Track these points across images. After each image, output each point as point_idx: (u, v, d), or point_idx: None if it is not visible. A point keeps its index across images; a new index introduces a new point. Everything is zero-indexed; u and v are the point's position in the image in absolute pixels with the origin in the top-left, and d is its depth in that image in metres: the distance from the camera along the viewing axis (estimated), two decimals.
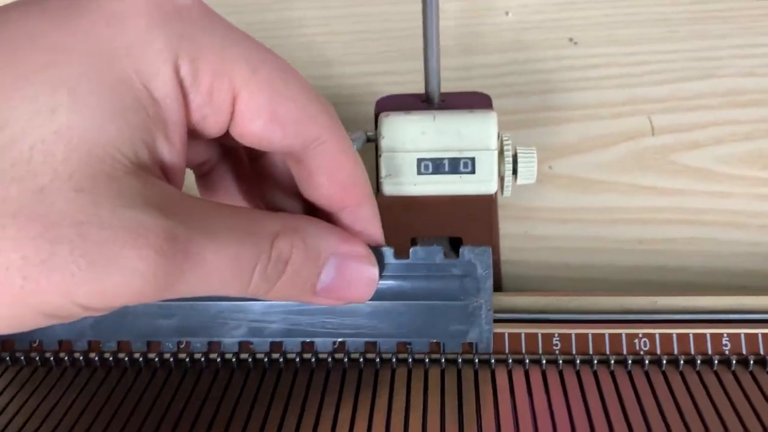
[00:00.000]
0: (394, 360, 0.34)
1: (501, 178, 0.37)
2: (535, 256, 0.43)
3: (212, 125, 0.25)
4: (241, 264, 0.24)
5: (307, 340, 0.34)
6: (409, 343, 0.33)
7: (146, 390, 0.33)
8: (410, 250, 0.33)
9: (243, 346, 0.34)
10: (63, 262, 0.21)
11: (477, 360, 0.33)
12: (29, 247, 0.21)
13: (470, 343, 0.33)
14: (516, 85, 0.46)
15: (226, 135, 0.27)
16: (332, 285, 0.28)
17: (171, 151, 0.24)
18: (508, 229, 0.43)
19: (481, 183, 0.36)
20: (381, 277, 0.31)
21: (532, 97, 0.46)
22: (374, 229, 0.31)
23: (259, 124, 0.26)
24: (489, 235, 0.41)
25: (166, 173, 0.24)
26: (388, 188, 0.37)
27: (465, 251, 0.33)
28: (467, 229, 0.41)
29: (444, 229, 0.41)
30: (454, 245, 0.42)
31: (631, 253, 0.42)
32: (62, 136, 0.21)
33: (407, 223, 0.41)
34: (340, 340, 0.34)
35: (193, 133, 0.26)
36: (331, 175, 0.28)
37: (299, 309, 0.34)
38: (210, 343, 0.34)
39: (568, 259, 0.42)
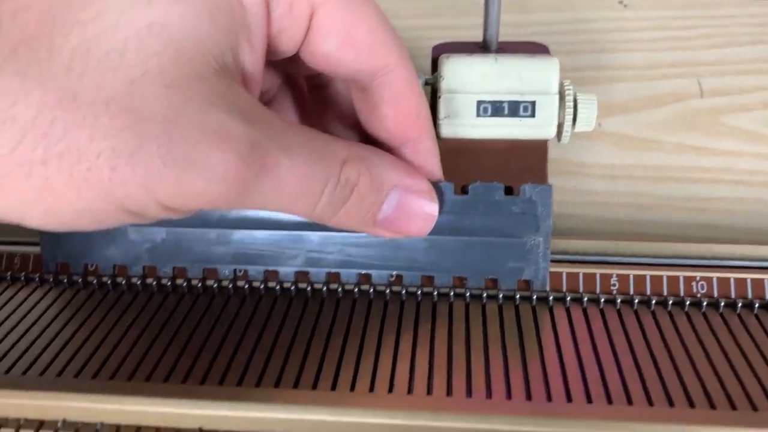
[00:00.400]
0: (451, 294, 0.34)
1: (559, 125, 0.37)
2: (584, 210, 0.43)
3: (287, 40, 0.26)
4: (311, 184, 0.25)
5: (363, 271, 0.34)
6: (465, 278, 0.34)
7: (204, 316, 0.33)
8: (470, 186, 0.33)
9: (299, 276, 0.34)
10: (149, 157, 0.21)
11: (535, 297, 0.33)
12: (119, 138, 0.21)
13: (526, 281, 0.33)
14: (567, 44, 0.46)
15: (292, 61, 0.27)
16: (392, 217, 0.28)
17: (252, 59, 0.25)
18: (557, 183, 0.43)
19: (540, 127, 0.36)
20: (440, 212, 0.31)
21: (582, 56, 0.46)
22: (434, 165, 0.31)
23: (332, 44, 0.26)
24: (543, 182, 0.41)
25: (245, 82, 0.25)
26: (446, 130, 0.37)
27: (526, 188, 0.33)
28: (520, 178, 0.41)
29: (497, 177, 0.41)
30: (508, 194, 0.42)
31: (679, 210, 0.43)
32: (156, 30, 0.21)
33: (460, 171, 0.41)
34: (396, 272, 0.34)
35: (267, 50, 0.26)
36: (396, 106, 0.28)
37: (356, 241, 0.34)
38: (266, 272, 0.35)
39: (617, 214, 0.42)
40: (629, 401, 0.27)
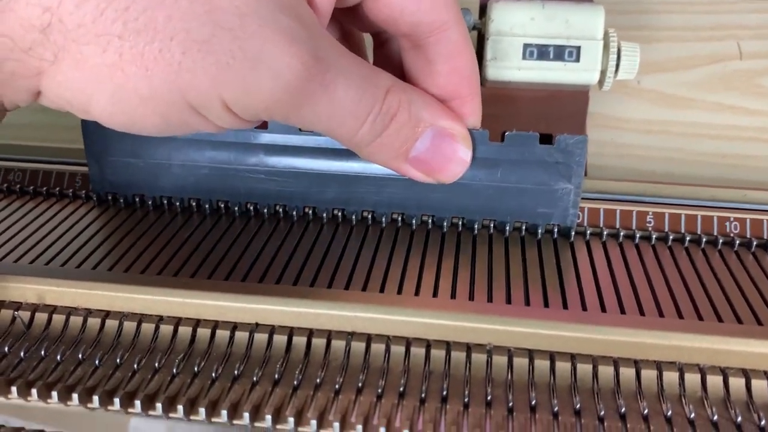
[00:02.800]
0: (491, 225, 0.35)
1: (602, 72, 0.39)
2: (620, 162, 0.44)
3: None
4: (360, 107, 0.26)
5: (397, 212, 0.35)
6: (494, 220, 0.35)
7: (256, 234, 0.35)
8: (505, 134, 0.34)
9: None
10: (221, 48, 0.22)
11: (573, 232, 0.35)
12: (195, 23, 0.22)
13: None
14: (609, 3, 0.47)
15: (353, 14, 0.28)
16: (425, 156, 0.28)
17: None
18: (594, 136, 0.45)
19: (584, 72, 0.38)
20: (474, 158, 0.32)
21: (622, 16, 0.47)
22: (476, 122, 0.31)
23: None
24: (581, 132, 0.42)
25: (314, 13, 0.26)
26: (492, 72, 0.38)
27: (561, 138, 0.34)
28: (559, 126, 0.42)
29: (537, 125, 0.42)
30: (544, 143, 0.43)
31: (713, 166, 0.44)
32: None
33: (500, 117, 0.42)
34: (427, 213, 0.35)
35: None
36: (451, 62, 0.29)
37: (391, 182, 0.35)
38: (305, 207, 0.36)
39: (652, 168, 0.44)
40: (661, 315, 0.28)
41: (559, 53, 0.38)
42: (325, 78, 0.24)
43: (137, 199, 0.37)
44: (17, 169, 0.40)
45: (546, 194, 0.34)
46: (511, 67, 0.38)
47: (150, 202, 0.37)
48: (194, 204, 0.37)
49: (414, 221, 0.35)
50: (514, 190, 0.34)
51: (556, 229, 0.35)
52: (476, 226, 0.35)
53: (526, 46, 0.38)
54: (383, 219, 0.36)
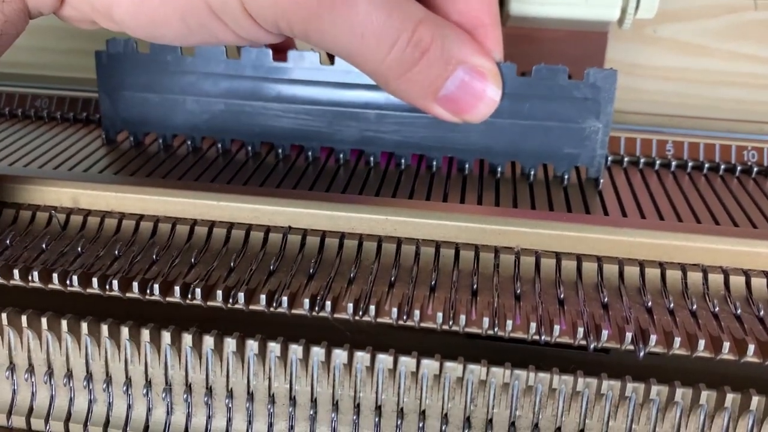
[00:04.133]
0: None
1: (622, 11, 0.39)
2: (637, 107, 0.45)
3: None
4: (385, 30, 0.25)
5: (419, 153, 0.35)
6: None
7: (275, 168, 0.35)
8: (533, 68, 0.33)
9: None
10: None
11: (601, 179, 0.35)
12: None
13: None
14: None
15: None
16: (455, 95, 0.27)
17: None
18: None
19: (606, 8, 0.38)
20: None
21: None
22: (500, 53, 0.31)
23: None
24: None
25: None
26: (516, 6, 0.39)
27: (591, 72, 0.32)
28: (579, 66, 0.43)
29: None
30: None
31: (728, 111, 0.44)
32: None
33: (521, 58, 0.43)
34: (450, 155, 0.34)
35: None
36: None
37: (412, 121, 0.34)
38: (322, 149, 0.36)
39: (668, 112, 0.44)
40: (679, 219, 0.29)
41: None
42: None
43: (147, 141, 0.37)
44: (44, 96, 0.40)
45: (573, 133, 0.32)
46: (534, 2, 0.39)
47: (161, 141, 0.37)
48: (205, 147, 0.37)
49: (435, 163, 0.35)
50: (539, 129, 0.33)
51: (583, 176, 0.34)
52: (499, 170, 0.34)
53: None
54: (402, 162, 0.35)
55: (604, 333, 0.24)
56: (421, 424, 0.25)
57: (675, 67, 0.46)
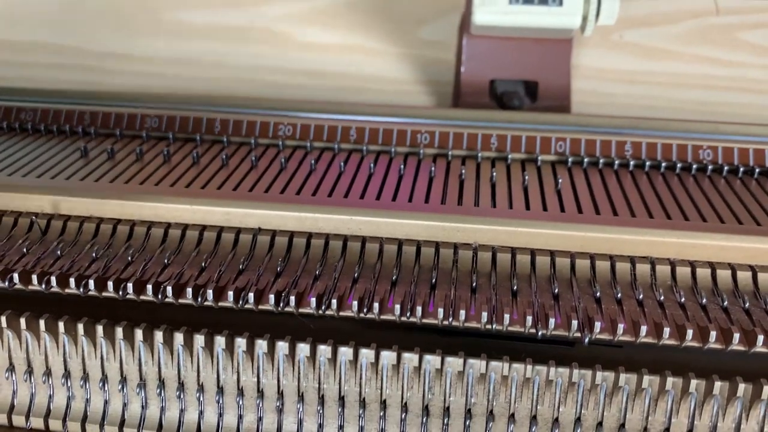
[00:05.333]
0: (479, 156, 0.37)
1: (584, 18, 0.41)
2: (603, 110, 0.46)
3: None
4: None
5: None
6: None
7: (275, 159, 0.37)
8: None
9: None
10: None
11: (554, 160, 0.37)
12: None
13: None
14: None
15: None
16: None
17: None
18: (579, 86, 0.47)
19: (567, 16, 0.40)
20: None
21: None
22: None
23: None
24: (566, 80, 0.44)
25: None
26: (480, 17, 0.41)
27: None
28: (544, 73, 0.44)
29: (523, 72, 0.45)
30: (530, 89, 0.45)
31: (692, 113, 0.46)
32: None
33: (487, 65, 0.45)
34: None
35: None
36: None
37: None
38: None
39: (634, 114, 0.46)
40: (632, 215, 0.31)
41: None
42: None
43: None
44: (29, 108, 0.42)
45: None
46: (499, 12, 0.40)
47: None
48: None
49: (402, 167, 0.37)
50: None
51: (539, 158, 0.37)
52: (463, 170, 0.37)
53: None
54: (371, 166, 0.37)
55: (551, 321, 0.25)
56: (382, 413, 0.27)
57: (640, 70, 0.47)
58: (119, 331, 0.27)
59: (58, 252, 0.30)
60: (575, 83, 0.47)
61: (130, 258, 0.29)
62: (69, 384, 0.28)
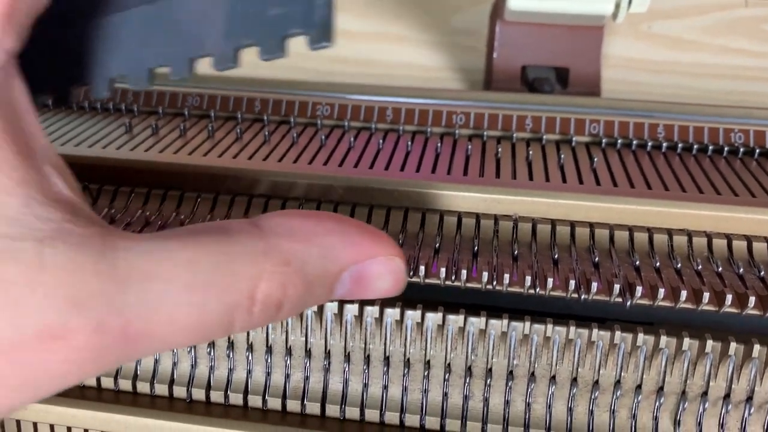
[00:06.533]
0: (513, 136, 0.38)
1: (616, 5, 0.42)
2: (631, 97, 0.47)
3: None
4: (208, 326, 0.18)
5: None
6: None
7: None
8: None
9: None
10: None
11: (588, 141, 0.38)
12: None
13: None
14: None
15: None
16: (352, 291, 0.21)
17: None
18: (607, 75, 0.48)
19: (599, 2, 0.41)
20: None
21: None
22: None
23: None
24: (596, 67, 0.45)
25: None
26: (515, 2, 0.42)
27: None
28: (576, 60, 0.45)
29: (554, 59, 0.46)
30: (561, 76, 0.46)
31: (720, 102, 0.46)
32: None
33: (519, 51, 0.46)
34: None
35: None
36: None
37: None
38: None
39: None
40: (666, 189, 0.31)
41: None
42: (128, 333, 0.17)
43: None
44: None
45: None
46: None
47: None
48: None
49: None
50: None
51: (574, 140, 0.37)
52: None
53: None
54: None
55: (594, 285, 0.26)
56: (426, 373, 0.27)
57: (667, 61, 0.48)
58: None
59: None
60: (604, 72, 0.48)
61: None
62: None
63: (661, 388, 0.27)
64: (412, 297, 0.28)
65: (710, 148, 0.37)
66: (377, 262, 0.21)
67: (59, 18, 0.20)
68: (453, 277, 0.27)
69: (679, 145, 0.37)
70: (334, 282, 0.20)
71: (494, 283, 0.27)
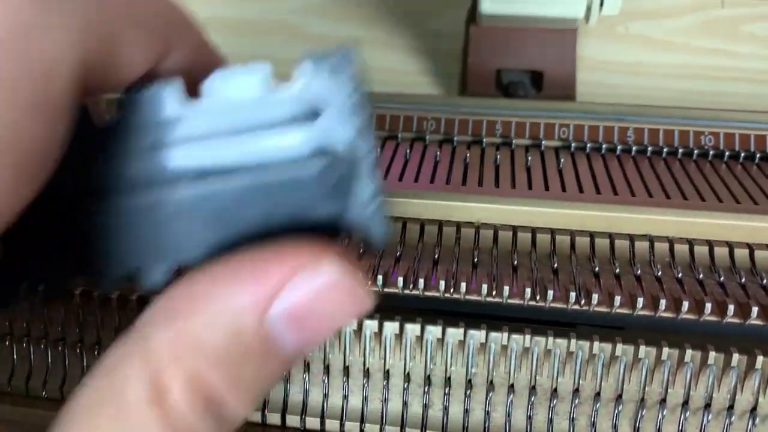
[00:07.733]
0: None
1: (588, 8, 0.42)
2: (608, 101, 0.47)
3: None
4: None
5: None
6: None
7: None
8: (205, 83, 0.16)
9: None
10: None
11: (558, 146, 0.38)
12: None
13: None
14: None
15: None
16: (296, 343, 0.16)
17: None
18: (583, 77, 0.48)
19: (570, 5, 0.41)
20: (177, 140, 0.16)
21: None
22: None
23: None
24: (571, 70, 0.45)
25: None
26: (487, 6, 0.42)
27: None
28: (550, 63, 0.45)
29: (529, 62, 0.46)
30: (535, 79, 0.46)
31: (697, 103, 0.46)
32: None
33: (494, 56, 0.46)
34: None
35: None
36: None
37: None
38: None
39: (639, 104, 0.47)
40: (632, 195, 0.31)
41: None
42: None
43: None
44: None
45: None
46: (505, 1, 0.41)
47: None
48: None
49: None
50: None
51: (543, 143, 0.37)
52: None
53: None
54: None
55: (550, 294, 0.26)
56: (426, 389, 0.28)
57: (644, 62, 0.48)
58: None
59: None
60: (580, 75, 0.47)
61: None
62: None
63: (686, 402, 0.27)
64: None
65: (680, 150, 0.37)
66: (299, 281, 0.15)
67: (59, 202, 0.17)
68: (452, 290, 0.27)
69: (649, 149, 0.37)
70: (259, 343, 0.15)
71: (452, 292, 0.27)
